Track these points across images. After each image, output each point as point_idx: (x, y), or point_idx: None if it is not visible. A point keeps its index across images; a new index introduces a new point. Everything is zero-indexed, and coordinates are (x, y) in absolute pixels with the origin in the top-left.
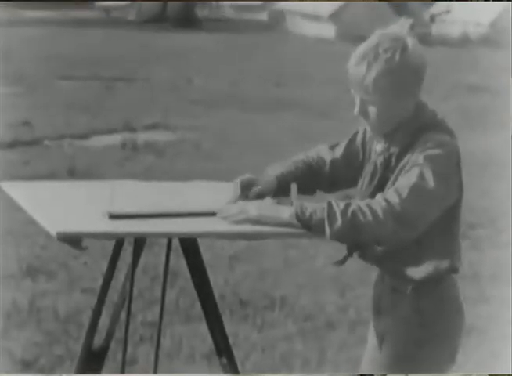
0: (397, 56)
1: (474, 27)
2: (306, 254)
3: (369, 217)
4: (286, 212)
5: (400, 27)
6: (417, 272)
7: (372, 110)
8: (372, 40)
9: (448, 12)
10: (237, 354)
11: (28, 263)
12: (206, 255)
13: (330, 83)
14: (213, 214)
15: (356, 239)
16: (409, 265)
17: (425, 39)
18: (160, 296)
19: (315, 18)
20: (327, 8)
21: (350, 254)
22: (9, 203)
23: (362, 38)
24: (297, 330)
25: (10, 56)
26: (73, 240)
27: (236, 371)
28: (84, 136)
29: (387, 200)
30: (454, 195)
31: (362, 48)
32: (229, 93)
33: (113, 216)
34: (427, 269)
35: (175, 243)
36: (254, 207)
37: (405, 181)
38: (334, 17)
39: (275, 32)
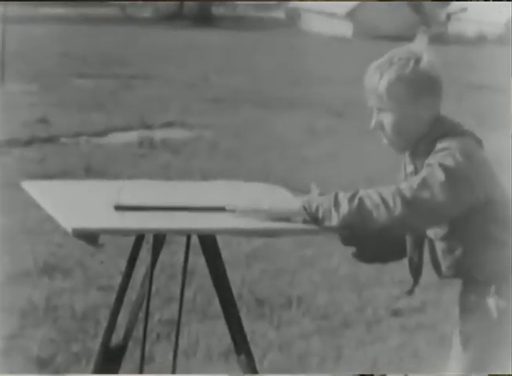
0: (410, 65)
1: (490, 26)
2: (322, 253)
3: (378, 201)
4: (294, 206)
5: (418, 43)
6: (481, 273)
7: (387, 121)
8: (388, 54)
9: (464, 10)
10: (254, 352)
11: (45, 261)
12: (223, 253)
13: (347, 82)
14: (222, 209)
15: (365, 225)
16: (475, 269)
17: (441, 38)
18: (179, 294)
19: (332, 16)
20: (344, 6)
21: (416, 282)
22: (25, 202)
23: (379, 37)
24: (314, 329)
25: (26, 53)
26: (90, 237)
27: (254, 370)
28: (101, 134)
29: (398, 188)
30: (472, 196)
31: (378, 61)
32: (246, 91)
33: (119, 208)
34: (492, 270)
35: (193, 241)
36: (264, 201)
37: (415, 177)
38: (351, 15)
39: (291, 30)
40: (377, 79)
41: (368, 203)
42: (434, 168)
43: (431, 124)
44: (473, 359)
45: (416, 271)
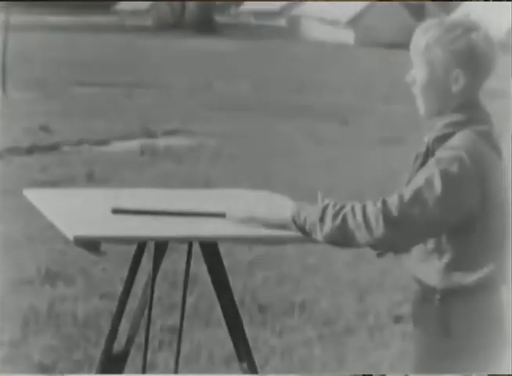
0: (457, 32)
1: (493, 32)
2: (325, 260)
3: (360, 221)
4: (287, 214)
5: (482, 18)
6: (441, 282)
7: (419, 77)
8: (447, 17)
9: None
10: (256, 359)
11: (47, 268)
12: (225, 261)
13: (350, 89)
14: (221, 215)
15: (347, 243)
16: (435, 274)
17: None
18: (181, 301)
19: (334, 24)
20: (346, 13)
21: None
22: (27, 210)
23: (380, 44)
24: (316, 335)
25: (29, 61)
26: (91, 245)
27: None
28: (103, 142)
29: (385, 203)
30: (469, 204)
31: (433, 19)
32: (249, 99)
33: (116, 211)
34: (451, 280)
35: (195, 248)
36: (258, 209)
37: (412, 183)
38: (353, 23)
39: (293, 38)
40: (421, 34)
41: (350, 221)
42: (434, 177)
43: (460, 103)
44: (414, 368)
45: None
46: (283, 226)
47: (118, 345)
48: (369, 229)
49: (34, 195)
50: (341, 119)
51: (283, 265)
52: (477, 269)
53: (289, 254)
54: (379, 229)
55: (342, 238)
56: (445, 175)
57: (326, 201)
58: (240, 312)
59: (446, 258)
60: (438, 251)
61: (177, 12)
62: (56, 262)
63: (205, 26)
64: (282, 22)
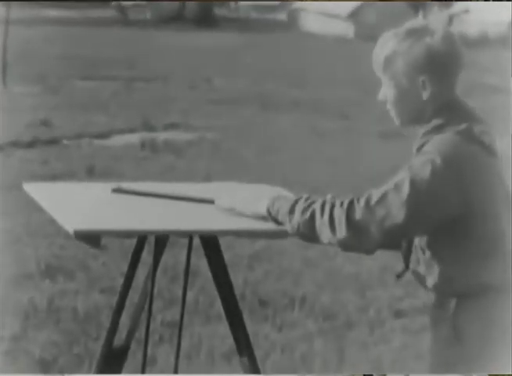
0: (412, 39)
1: (493, 26)
2: (325, 254)
3: (326, 219)
4: (263, 206)
5: (437, 19)
6: (445, 288)
7: (388, 93)
8: (403, 25)
9: (466, 12)
10: (257, 354)
11: (47, 263)
12: (226, 255)
13: (350, 83)
14: (210, 201)
15: (313, 239)
16: (437, 281)
17: None
18: (181, 296)
19: (334, 17)
20: (346, 7)
21: (407, 266)
22: (27, 204)
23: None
24: (317, 330)
25: (29, 55)
26: (92, 239)
27: (257, 371)
28: (104, 136)
29: (351, 205)
30: (445, 207)
31: (388, 31)
32: (249, 93)
33: (116, 190)
34: (452, 287)
35: (194, 242)
36: (238, 199)
37: (382, 187)
38: (353, 17)
39: (294, 32)
40: (379, 50)
41: (317, 218)
42: (403, 182)
43: (436, 108)
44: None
45: (406, 255)
46: (261, 218)
47: (118, 339)
48: (333, 230)
49: (33, 189)
50: (342, 113)
51: (284, 260)
52: (477, 275)
53: (289, 249)
54: (341, 230)
55: (309, 233)
56: (414, 180)
57: (303, 195)
58: (241, 306)
59: (444, 265)
60: (436, 258)
61: (177, 6)
62: (56, 257)
63: (205, 19)
64: (282, 15)
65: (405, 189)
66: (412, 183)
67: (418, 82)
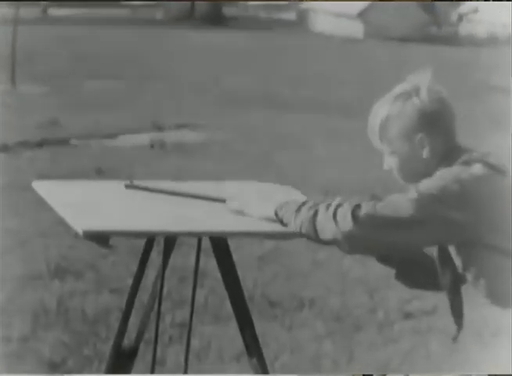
0: (400, 103)
1: (502, 26)
2: (334, 256)
3: (330, 214)
4: (271, 209)
5: (420, 75)
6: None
7: (393, 163)
8: (392, 91)
9: (475, 11)
10: (266, 355)
11: (56, 263)
12: (235, 256)
13: (359, 83)
14: (221, 200)
15: (316, 235)
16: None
17: (453, 39)
18: (191, 296)
19: (343, 17)
20: (355, 7)
21: (460, 325)
22: (36, 204)
23: (390, 37)
24: (326, 331)
25: (38, 55)
26: (101, 239)
27: (265, 372)
28: (112, 136)
29: (357, 204)
30: (434, 233)
31: (380, 100)
32: (258, 93)
33: (128, 186)
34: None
35: (204, 243)
36: (247, 202)
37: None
38: (362, 16)
39: (303, 31)
40: (373, 119)
41: (321, 213)
42: (399, 199)
43: (439, 160)
44: None
45: (454, 310)
46: (270, 220)
47: (128, 340)
48: (337, 223)
49: (42, 187)
50: (352, 113)
51: (293, 261)
52: None
53: (298, 250)
54: (346, 223)
55: (312, 229)
56: (423, 193)
57: (312, 200)
58: (250, 307)
59: (483, 290)
60: (474, 284)
61: (187, 5)
62: (65, 257)
63: (214, 19)
64: (291, 15)
65: (413, 195)
66: (422, 195)
67: (416, 143)
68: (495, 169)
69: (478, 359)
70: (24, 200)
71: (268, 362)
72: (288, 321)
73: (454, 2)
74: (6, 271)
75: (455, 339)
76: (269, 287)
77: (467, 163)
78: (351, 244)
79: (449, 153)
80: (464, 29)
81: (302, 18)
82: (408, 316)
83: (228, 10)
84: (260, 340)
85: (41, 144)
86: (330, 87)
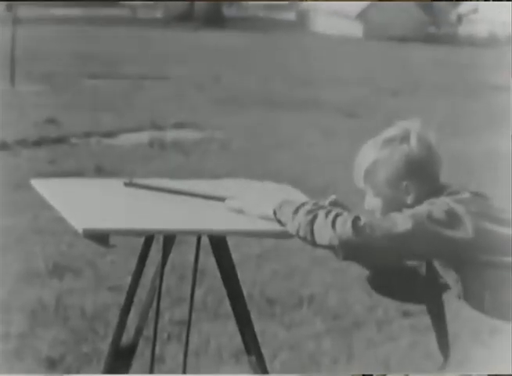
0: (391, 148)
1: (501, 26)
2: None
3: (329, 221)
4: (270, 208)
5: (410, 123)
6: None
7: (374, 203)
8: (381, 134)
9: (475, 11)
10: (265, 353)
11: (55, 261)
12: (233, 254)
13: (358, 82)
14: (221, 199)
15: (312, 239)
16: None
17: (452, 39)
18: (190, 294)
19: (343, 17)
20: (355, 7)
21: (446, 355)
22: (35, 203)
23: (389, 37)
24: (325, 329)
25: (37, 54)
26: (100, 238)
27: (264, 370)
28: (112, 134)
29: (357, 216)
30: (426, 248)
31: (368, 142)
32: (257, 92)
33: (128, 184)
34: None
35: (203, 241)
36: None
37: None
38: (362, 16)
39: (302, 31)
40: (361, 160)
41: (320, 218)
42: (394, 217)
43: (421, 202)
44: None
45: (440, 340)
46: (269, 219)
47: (127, 337)
48: (336, 230)
49: (42, 185)
50: (351, 113)
51: (292, 259)
52: None
53: (297, 248)
54: (345, 230)
55: (309, 232)
56: (416, 219)
57: (311, 201)
58: (249, 305)
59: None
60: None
61: (186, 4)
62: (64, 255)
63: (213, 19)
64: (291, 15)
65: (409, 213)
66: (415, 215)
67: (401, 189)
68: (481, 195)
69: (478, 359)
70: (23, 199)
71: (266, 360)
72: (287, 319)
73: (454, 2)
74: (5, 269)
75: (441, 369)
76: (268, 285)
77: (455, 192)
78: (347, 250)
79: (433, 192)
80: (464, 29)
81: (302, 18)
82: (407, 313)
83: (227, 10)
84: (259, 338)
85: (40, 142)
86: (330, 86)
